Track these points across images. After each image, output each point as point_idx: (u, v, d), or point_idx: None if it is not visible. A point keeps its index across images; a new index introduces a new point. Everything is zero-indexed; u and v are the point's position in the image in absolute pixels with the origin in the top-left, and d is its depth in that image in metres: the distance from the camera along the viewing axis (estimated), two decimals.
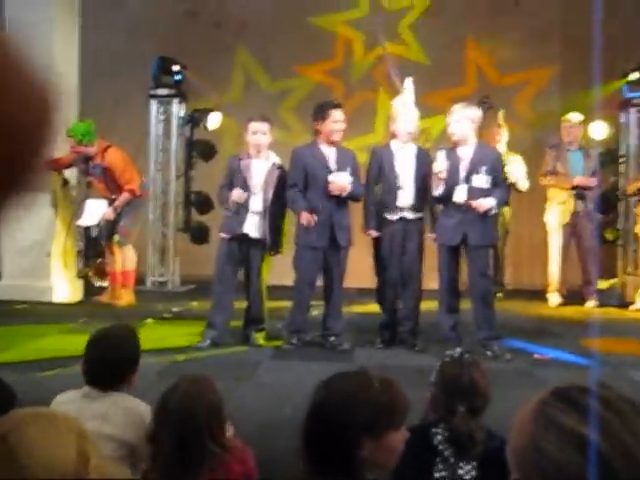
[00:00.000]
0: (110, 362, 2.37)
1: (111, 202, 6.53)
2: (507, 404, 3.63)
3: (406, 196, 5.03)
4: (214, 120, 7.86)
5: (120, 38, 8.62)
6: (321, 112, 5.04)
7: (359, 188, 5.04)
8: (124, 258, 6.67)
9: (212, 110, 7.89)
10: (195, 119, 7.97)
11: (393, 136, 5.17)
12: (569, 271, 7.40)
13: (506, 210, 7.58)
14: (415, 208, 5.05)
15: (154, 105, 8.07)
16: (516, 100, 8.70)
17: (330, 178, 4.91)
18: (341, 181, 4.91)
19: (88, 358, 2.40)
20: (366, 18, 8.82)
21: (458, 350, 4.65)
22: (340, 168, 4.97)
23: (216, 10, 8.84)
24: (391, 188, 5.04)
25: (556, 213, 7.23)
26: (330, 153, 5.03)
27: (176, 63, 7.98)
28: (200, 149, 7.95)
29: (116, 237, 6.56)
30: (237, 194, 4.97)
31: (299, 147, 5.18)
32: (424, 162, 5.03)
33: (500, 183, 4.90)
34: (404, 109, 5.14)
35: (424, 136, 5.53)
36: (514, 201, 7.70)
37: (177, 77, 8.02)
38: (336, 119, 5.01)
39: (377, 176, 5.10)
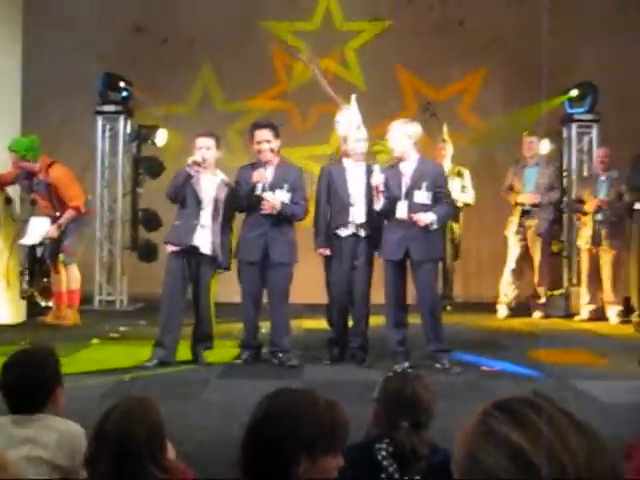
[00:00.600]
0: (28, 383, 2.29)
1: (55, 220, 6.40)
2: (456, 417, 3.67)
3: (357, 213, 5.05)
4: (162, 136, 7.79)
5: (66, 55, 8.50)
6: (250, 132, 5.12)
7: (296, 207, 5.05)
8: (69, 277, 6.55)
9: (159, 126, 7.81)
10: (142, 135, 7.88)
11: (345, 155, 5.20)
12: (519, 284, 7.51)
13: (455, 225, 7.69)
14: (366, 225, 5.07)
15: (100, 122, 7.96)
16: (459, 109, 8.82)
17: (265, 196, 4.93)
18: (272, 199, 4.93)
19: (4, 383, 2.32)
20: (315, 31, 8.84)
21: (405, 365, 4.73)
22: (276, 186, 4.98)
23: (164, 26, 8.78)
24: (343, 205, 5.06)
25: (511, 228, 7.36)
26: (269, 171, 5.04)
27: (122, 79, 7.89)
28: (147, 166, 7.86)
29: (61, 256, 6.45)
30: (192, 157, 4.90)
31: (243, 167, 5.21)
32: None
33: (441, 198, 4.94)
34: (352, 129, 5.17)
35: (384, 157, 5.56)
36: (463, 215, 7.83)
37: (123, 93, 7.94)
38: (259, 139, 5.03)
39: (327, 194, 5.11)
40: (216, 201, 5.00)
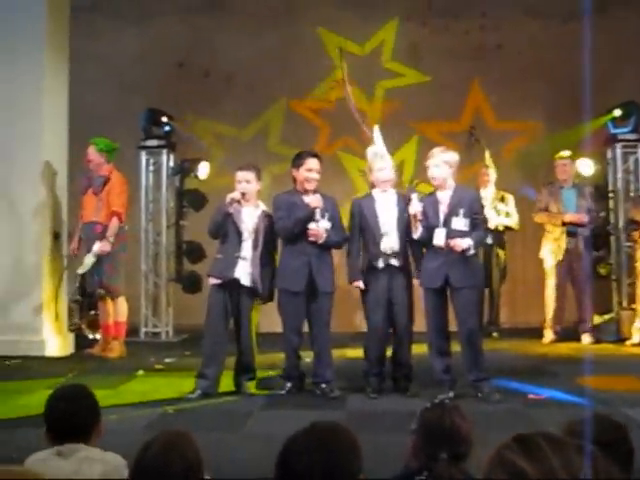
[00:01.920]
0: (75, 415, 2.34)
1: (94, 226, 6.50)
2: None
3: (391, 242, 5.02)
4: (204, 169, 7.91)
5: (109, 92, 8.73)
6: (298, 159, 5.12)
7: (337, 235, 5.07)
8: (116, 309, 6.66)
9: (201, 159, 7.94)
10: (185, 169, 8.02)
11: (372, 186, 5.21)
12: (565, 308, 7.37)
13: (501, 251, 7.61)
14: (400, 254, 5.04)
15: (144, 156, 8.13)
16: (506, 147, 8.75)
17: (310, 226, 4.93)
18: (320, 229, 4.95)
19: (50, 415, 2.37)
20: (361, 57, 8.89)
21: (449, 394, 4.66)
22: (321, 215, 4.99)
23: (205, 61, 8.97)
24: (375, 236, 5.04)
25: (550, 250, 7.25)
26: (308, 201, 5.04)
27: (165, 114, 8.06)
28: (190, 199, 7.98)
29: (101, 291, 6.54)
30: (230, 195, 4.96)
31: (280, 195, 5.22)
32: (405, 207, 5.03)
33: (478, 225, 4.91)
34: (377, 158, 5.18)
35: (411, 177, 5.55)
36: (508, 240, 7.75)
37: (166, 128, 8.10)
38: (311, 167, 5.05)
39: (359, 226, 5.11)
40: (257, 232, 5.04)
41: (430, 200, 4.93)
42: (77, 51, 7.61)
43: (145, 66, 8.86)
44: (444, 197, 4.89)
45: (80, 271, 6.53)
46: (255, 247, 5.02)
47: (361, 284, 5.07)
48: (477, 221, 4.89)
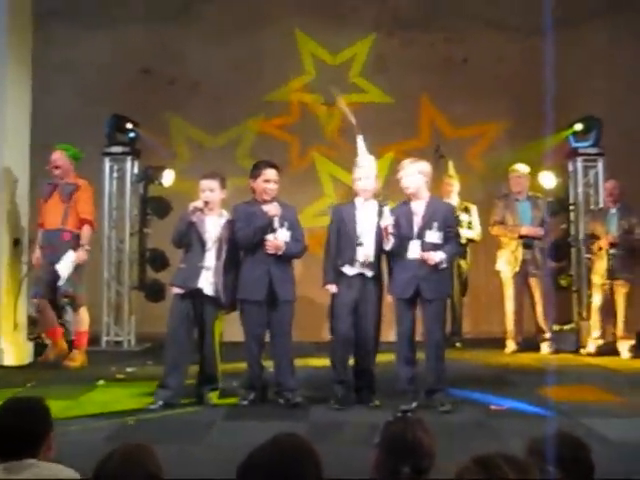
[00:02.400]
0: (20, 429, 2.28)
1: (60, 233, 6.39)
2: (463, 457, 3.64)
3: (366, 252, 5.03)
4: (169, 177, 7.86)
5: (73, 99, 8.63)
6: (255, 170, 5.11)
7: (296, 247, 5.07)
8: (78, 319, 6.57)
9: (165, 167, 7.89)
10: (149, 176, 7.96)
11: (356, 194, 5.22)
12: (525, 318, 7.46)
13: (463, 262, 7.69)
14: (374, 265, 5.05)
15: (107, 163, 8.04)
16: (468, 153, 8.86)
17: (268, 237, 4.94)
18: (277, 241, 4.95)
19: None
20: (315, 79, 8.95)
21: (412, 405, 4.68)
22: (278, 225, 4.99)
23: (171, 68, 8.91)
24: (351, 244, 5.05)
25: (507, 262, 7.34)
26: (267, 209, 5.04)
27: (129, 121, 7.99)
28: (154, 206, 7.92)
29: (65, 300, 6.44)
30: (193, 204, 4.95)
31: (239, 205, 5.19)
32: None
33: (451, 238, 4.95)
34: (357, 168, 5.22)
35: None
36: (470, 251, 7.82)
37: (130, 135, 8.03)
38: (269, 178, 5.06)
39: (337, 232, 5.12)
40: (220, 242, 5.02)
41: (403, 210, 4.94)
42: (40, 58, 7.51)
43: (110, 73, 8.77)
44: (418, 208, 4.92)
45: (61, 283, 6.35)
46: (219, 257, 5.00)
47: (334, 288, 5.07)
48: (450, 234, 4.93)
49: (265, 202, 5.08)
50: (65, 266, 6.34)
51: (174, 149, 8.79)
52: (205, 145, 8.89)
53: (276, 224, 4.98)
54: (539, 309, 7.33)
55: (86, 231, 6.49)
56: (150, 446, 2.27)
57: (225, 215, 5.14)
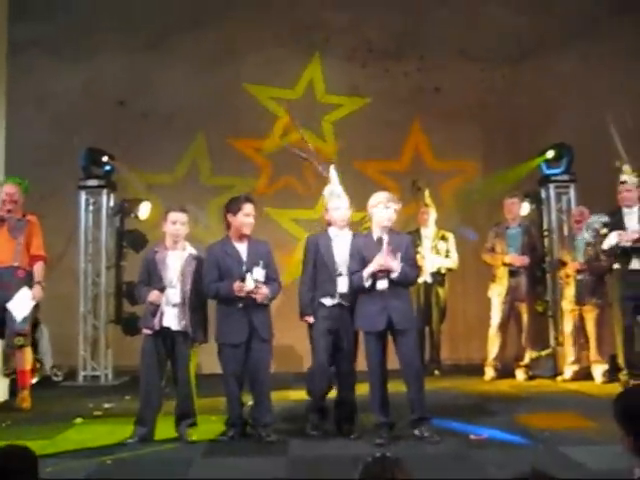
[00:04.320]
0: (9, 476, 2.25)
1: (14, 270, 6.23)
2: None
3: (343, 283, 5.05)
4: (145, 209, 7.85)
5: (47, 131, 8.62)
6: (234, 204, 5.09)
7: (272, 287, 5.02)
8: (26, 358, 6.32)
9: (142, 199, 7.88)
10: (125, 209, 7.94)
11: (329, 224, 5.25)
12: (507, 345, 7.50)
13: (440, 290, 7.74)
14: (348, 296, 5.06)
15: (83, 196, 8.02)
16: (444, 185, 8.93)
17: (236, 283, 4.88)
18: (253, 285, 4.89)
19: None
20: (297, 101, 9.01)
21: (383, 438, 4.67)
22: (252, 263, 4.97)
23: (144, 100, 8.93)
24: (329, 275, 5.07)
25: (496, 290, 7.40)
26: (242, 248, 5.05)
27: (104, 154, 7.99)
28: (130, 239, 7.89)
29: (20, 340, 6.21)
30: (154, 295, 4.96)
31: (212, 244, 5.18)
32: (359, 248, 5.06)
33: (412, 266, 4.97)
34: (333, 197, 5.26)
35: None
36: (447, 278, 7.87)
37: (106, 168, 8.02)
38: (249, 212, 5.06)
39: (314, 263, 5.13)
40: (184, 277, 5.01)
41: (372, 241, 4.97)
42: (14, 89, 7.50)
43: (84, 104, 8.78)
44: (384, 240, 4.95)
45: (19, 320, 6.17)
46: (184, 292, 4.99)
47: (311, 319, 5.08)
48: (410, 262, 4.95)
49: (241, 237, 5.07)
50: (21, 304, 6.16)
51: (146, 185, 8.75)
52: (173, 180, 8.87)
53: (248, 279, 4.90)
54: (524, 336, 7.38)
55: (40, 267, 6.33)
56: None
57: (188, 248, 5.13)
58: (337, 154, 8.53)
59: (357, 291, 4.95)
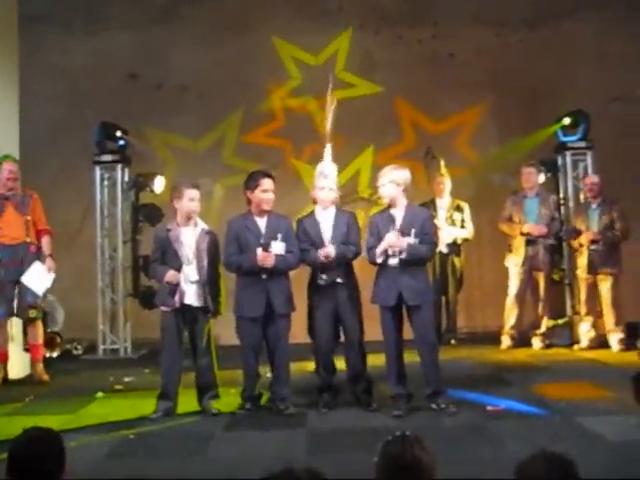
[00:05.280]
0: (36, 462, 2.28)
1: (27, 246, 6.29)
2: (462, 463, 3.68)
3: (334, 260, 5.04)
4: (159, 183, 7.86)
5: (62, 105, 8.60)
6: (252, 181, 5.09)
7: (289, 258, 5.03)
8: (36, 332, 6.44)
9: (156, 173, 7.89)
10: (139, 183, 7.96)
11: (314, 202, 5.24)
12: (523, 314, 7.51)
13: (456, 260, 7.73)
14: (341, 272, 5.07)
15: (98, 171, 8.03)
16: (456, 143, 8.86)
17: (259, 251, 4.93)
18: (272, 252, 4.92)
19: (12, 462, 2.30)
20: (301, 83, 8.94)
21: (405, 409, 4.71)
22: (270, 237, 4.98)
23: (158, 72, 8.89)
24: (313, 261, 5.07)
25: (513, 258, 7.38)
26: (262, 223, 5.06)
27: (118, 128, 7.98)
28: (146, 213, 7.91)
29: (33, 312, 6.32)
30: (171, 275, 4.98)
31: (233, 218, 5.19)
32: (342, 224, 5.11)
33: (427, 243, 4.95)
34: (321, 177, 5.21)
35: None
36: (463, 248, 7.86)
37: (120, 142, 8.02)
38: (267, 187, 5.06)
39: (305, 243, 5.13)
40: (198, 252, 5.03)
41: (384, 217, 4.97)
42: (27, 64, 7.49)
43: (97, 78, 8.75)
44: (397, 215, 4.94)
45: (41, 293, 6.28)
46: (200, 268, 5.02)
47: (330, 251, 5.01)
48: (426, 239, 4.93)
49: (262, 213, 5.08)
50: (36, 278, 6.23)
51: (162, 159, 8.75)
52: (190, 150, 8.87)
53: (263, 241, 4.96)
54: (540, 304, 7.37)
55: (48, 241, 6.41)
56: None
57: (200, 224, 5.15)
58: (344, 125, 8.51)
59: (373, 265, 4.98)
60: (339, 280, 5.07)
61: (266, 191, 5.06)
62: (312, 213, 5.26)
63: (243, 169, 8.40)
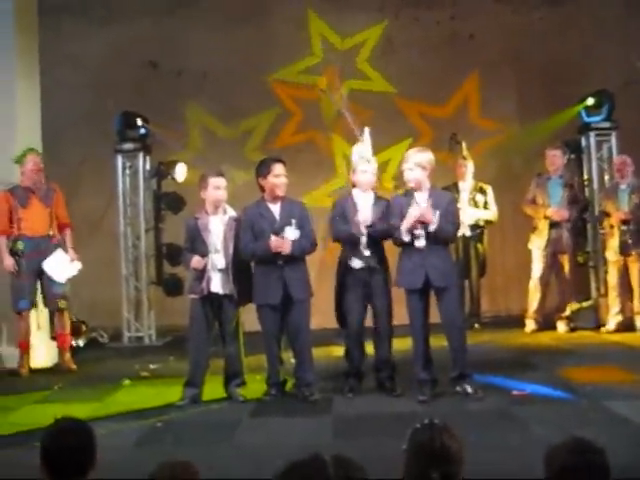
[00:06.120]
0: (69, 452, 2.31)
1: (49, 239, 6.34)
2: (489, 449, 3.67)
3: (369, 244, 5.05)
4: (181, 171, 7.88)
5: (81, 94, 8.62)
6: (263, 167, 5.09)
7: (305, 243, 5.02)
8: (63, 323, 6.52)
9: (178, 161, 7.91)
10: (161, 172, 7.98)
11: (353, 185, 5.23)
12: (547, 297, 7.46)
13: (479, 245, 7.70)
14: (376, 256, 5.07)
15: (120, 160, 8.07)
16: (482, 140, 8.74)
17: (272, 237, 4.92)
18: (286, 238, 4.91)
19: (46, 452, 2.33)
20: (322, 63, 8.89)
21: (430, 394, 4.71)
22: (285, 223, 4.98)
23: (178, 60, 8.88)
24: (355, 237, 5.06)
25: (536, 241, 7.33)
26: (276, 209, 5.06)
27: (139, 117, 8.00)
28: (168, 201, 7.95)
29: (63, 303, 6.41)
30: (196, 261, 5.01)
31: (248, 206, 5.19)
32: (381, 210, 5.08)
33: (450, 223, 4.91)
34: (363, 161, 5.20)
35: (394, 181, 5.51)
36: (486, 232, 7.81)
37: (141, 131, 8.04)
38: (279, 173, 5.05)
39: (342, 225, 5.12)
40: (226, 241, 5.05)
41: (408, 200, 4.94)
42: (47, 53, 7.52)
43: (117, 67, 8.74)
44: (421, 199, 4.90)
45: (63, 281, 6.34)
46: (227, 256, 5.04)
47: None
48: (450, 220, 4.90)
49: (275, 199, 5.08)
50: (58, 266, 6.28)
51: (187, 137, 8.73)
52: (218, 134, 8.87)
53: (278, 227, 4.97)
54: (566, 287, 7.32)
55: (69, 234, 6.50)
56: (191, 464, 2.29)
57: (229, 212, 5.16)
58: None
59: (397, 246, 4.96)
60: (374, 264, 5.05)
61: (278, 176, 5.05)
62: (349, 195, 5.24)
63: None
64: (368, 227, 5.02)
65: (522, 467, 3.33)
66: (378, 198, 5.21)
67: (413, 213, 4.78)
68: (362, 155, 5.23)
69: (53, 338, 6.83)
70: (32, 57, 7.07)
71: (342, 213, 5.13)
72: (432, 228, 4.79)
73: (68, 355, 6.52)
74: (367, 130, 5.37)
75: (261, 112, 8.86)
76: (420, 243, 4.83)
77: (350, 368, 5.18)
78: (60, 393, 5.59)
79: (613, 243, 7.11)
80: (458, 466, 2.34)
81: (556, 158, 7.40)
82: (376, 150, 5.50)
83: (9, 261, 6.28)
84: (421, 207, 4.79)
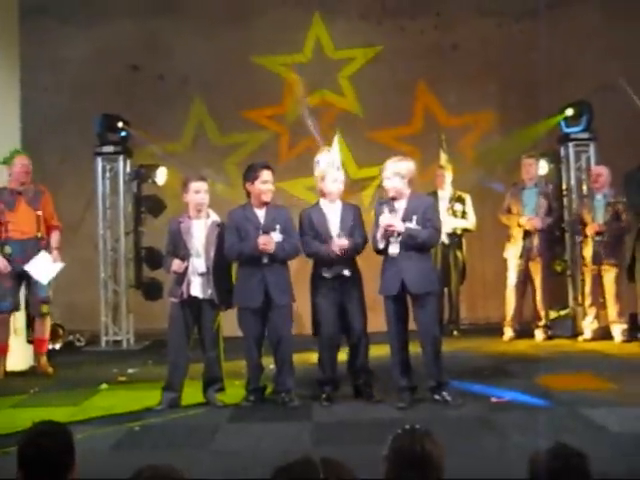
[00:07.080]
0: (46, 456, 2.27)
1: (37, 242, 6.27)
2: (469, 456, 3.68)
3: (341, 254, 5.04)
4: (162, 175, 7.85)
5: (63, 96, 8.57)
6: (251, 173, 5.09)
7: (288, 247, 5.03)
8: (43, 328, 6.43)
9: (158, 165, 7.87)
10: (141, 175, 7.95)
11: (322, 194, 5.22)
12: (523, 305, 7.52)
13: (459, 252, 7.74)
14: (347, 264, 5.08)
15: (100, 162, 8.02)
16: (461, 143, 8.82)
17: (259, 240, 4.93)
18: (270, 240, 4.93)
19: (23, 456, 2.29)
20: (309, 64, 8.92)
21: (409, 401, 4.71)
22: (269, 228, 4.99)
23: (159, 63, 8.85)
24: (327, 256, 5.05)
25: (511, 250, 7.39)
26: (261, 214, 5.07)
27: (120, 119, 7.96)
28: (148, 205, 7.92)
29: (45, 308, 6.33)
30: (176, 265, 5.00)
31: (233, 210, 5.19)
32: (349, 217, 5.11)
33: (429, 228, 4.89)
34: (332, 169, 5.18)
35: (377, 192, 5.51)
36: (465, 240, 7.86)
37: (122, 134, 8.00)
38: (266, 179, 5.06)
39: (312, 243, 5.11)
40: (208, 245, 5.04)
41: (387, 208, 4.95)
42: (28, 55, 7.46)
43: (98, 69, 8.71)
44: (400, 206, 4.92)
45: (45, 283, 6.24)
46: (208, 260, 5.03)
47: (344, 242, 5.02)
48: (428, 224, 4.90)
49: (262, 205, 5.09)
50: (41, 267, 6.20)
51: (168, 141, 8.69)
52: (207, 140, 8.83)
53: (263, 229, 4.98)
54: (538, 296, 7.38)
55: (57, 236, 6.43)
56: (174, 469, 2.27)
57: (212, 216, 5.16)
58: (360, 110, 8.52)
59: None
60: (346, 273, 5.07)
61: (265, 182, 5.06)
62: (317, 205, 5.24)
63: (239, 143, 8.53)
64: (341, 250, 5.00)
65: (501, 473, 3.35)
66: (345, 205, 5.21)
67: (383, 221, 4.82)
68: (332, 163, 5.21)
69: (30, 342, 6.77)
70: (13, 59, 7.01)
71: (311, 226, 5.13)
72: (399, 235, 4.80)
73: (44, 359, 6.45)
74: (336, 138, 5.38)
75: (248, 130, 8.86)
76: (393, 250, 4.84)
77: (323, 376, 5.16)
78: (36, 397, 5.53)
79: (587, 252, 7.20)
80: (439, 473, 2.35)
81: (531, 167, 7.49)
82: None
83: (1, 263, 6.16)
84: (387, 215, 4.81)
